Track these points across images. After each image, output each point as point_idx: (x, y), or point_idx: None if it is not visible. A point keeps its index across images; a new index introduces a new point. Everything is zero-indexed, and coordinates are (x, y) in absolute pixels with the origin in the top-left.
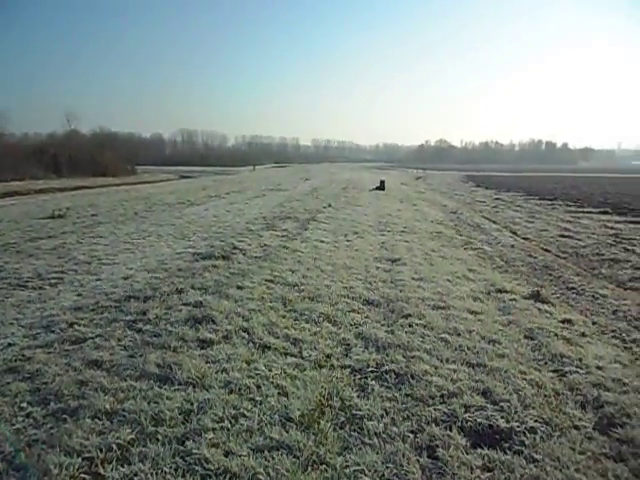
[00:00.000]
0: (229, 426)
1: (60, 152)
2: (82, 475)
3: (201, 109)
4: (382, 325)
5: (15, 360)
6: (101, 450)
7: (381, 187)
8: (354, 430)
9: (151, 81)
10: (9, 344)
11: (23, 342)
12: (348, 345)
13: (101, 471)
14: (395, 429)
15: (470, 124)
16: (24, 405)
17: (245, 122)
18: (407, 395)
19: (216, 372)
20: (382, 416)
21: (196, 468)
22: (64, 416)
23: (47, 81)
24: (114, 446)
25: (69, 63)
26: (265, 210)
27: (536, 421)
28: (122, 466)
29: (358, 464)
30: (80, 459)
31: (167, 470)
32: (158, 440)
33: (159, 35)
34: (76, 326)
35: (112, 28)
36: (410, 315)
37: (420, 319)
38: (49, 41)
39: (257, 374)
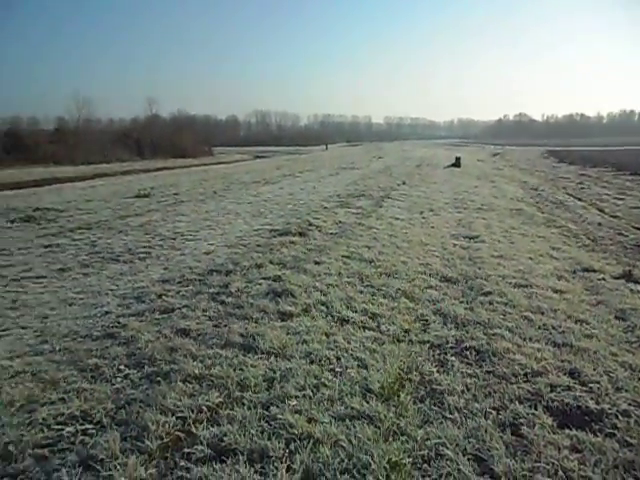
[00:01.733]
0: (311, 394)
1: (143, 136)
2: (176, 432)
3: (274, 90)
4: (461, 302)
5: (112, 327)
6: (192, 411)
7: (456, 164)
8: (434, 404)
9: (226, 64)
10: (106, 312)
11: (118, 310)
12: (426, 321)
13: (193, 430)
14: (477, 405)
15: (552, 96)
16: (122, 367)
17: (317, 102)
18: (489, 372)
19: (297, 343)
20: (463, 392)
21: (281, 432)
22: (158, 379)
23: (131, 68)
24: (204, 408)
25: (151, 50)
26: (339, 188)
27: (630, 404)
28: (212, 426)
29: (439, 437)
30: (174, 418)
31: (254, 432)
32: (244, 404)
33: (234, 19)
34: (164, 297)
35: (188, 14)
36: (490, 293)
37: (501, 297)
38: (133, 31)
39: (336, 346)
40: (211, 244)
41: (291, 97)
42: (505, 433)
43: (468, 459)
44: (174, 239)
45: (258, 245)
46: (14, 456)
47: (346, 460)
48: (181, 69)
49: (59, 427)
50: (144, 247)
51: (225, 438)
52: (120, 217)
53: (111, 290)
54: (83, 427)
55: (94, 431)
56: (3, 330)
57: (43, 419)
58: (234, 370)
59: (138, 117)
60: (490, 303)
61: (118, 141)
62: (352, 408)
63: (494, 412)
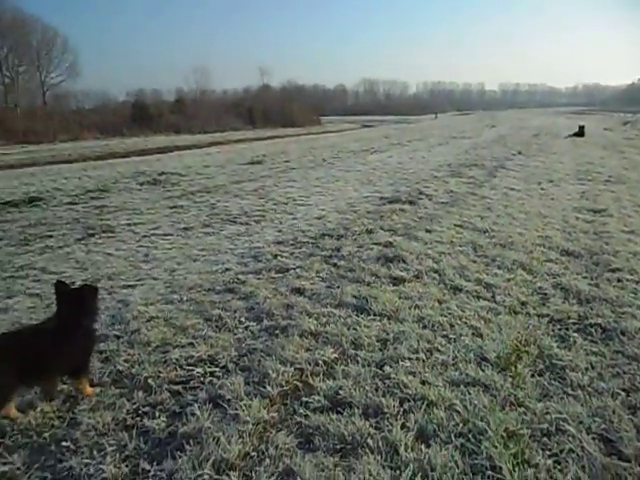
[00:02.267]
0: (424, 358)
1: (255, 105)
2: (295, 382)
3: (383, 59)
4: (584, 277)
5: (232, 282)
6: (309, 364)
7: (579, 133)
8: (554, 379)
9: (336, 34)
10: (226, 269)
11: (237, 268)
12: (545, 294)
13: (310, 381)
14: (603, 384)
15: None
16: (242, 319)
17: (427, 69)
18: (617, 352)
19: (409, 308)
20: (587, 369)
21: (395, 391)
22: (276, 332)
23: (246, 39)
24: (320, 362)
25: (264, 22)
26: (449, 157)
27: None
28: (328, 380)
29: (560, 412)
30: (292, 368)
31: (368, 389)
32: (358, 362)
33: None
34: (279, 257)
35: None
36: (619, 269)
37: (632, 274)
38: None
39: (449, 313)
40: (322, 209)
41: (399, 66)
42: (637, 416)
43: (593, 438)
44: (286, 204)
45: (368, 212)
46: (153, 389)
47: (461, 424)
48: (292, 39)
49: (189, 368)
50: (258, 210)
51: (340, 392)
52: (235, 182)
53: (230, 249)
54: (210, 369)
55: (220, 374)
56: (138, 280)
57: (176, 360)
58: (348, 329)
59: (250, 87)
60: (619, 280)
61: (231, 111)
62: (467, 375)
63: (623, 393)
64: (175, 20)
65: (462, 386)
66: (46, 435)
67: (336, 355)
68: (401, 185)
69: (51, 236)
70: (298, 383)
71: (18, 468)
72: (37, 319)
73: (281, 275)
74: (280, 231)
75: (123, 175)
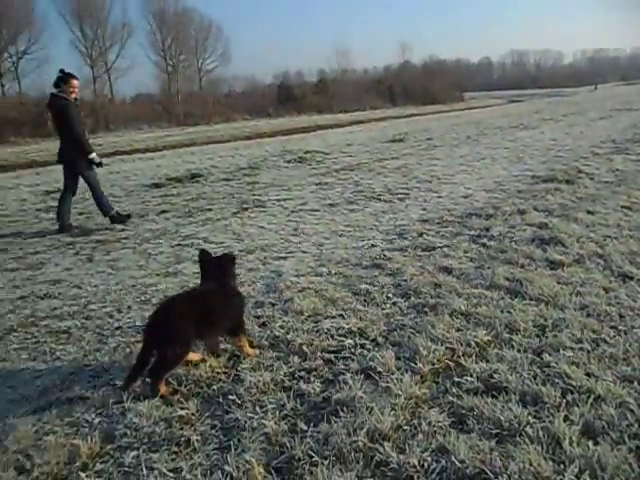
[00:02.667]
0: (589, 348)
1: (395, 83)
2: (446, 361)
3: (533, 28)
4: None
5: (378, 258)
6: (461, 344)
7: None
8: None
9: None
10: (372, 245)
11: (383, 245)
12: None
13: (462, 362)
14: None
15: None
16: (390, 295)
17: (585, 36)
18: None
19: (569, 294)
20: None
21: (556, 381)
22: (425, 309)
23: (387, 17)
24: (472, 343)
25: None
26: (613, 132)
27: None
28: (480, 362)
29: None
30: (443, 347)
31: (525, 375)
32: (513, 347)
33: None
34: (425, 235)
35: None
36: None
37: None
38: None
39: (618, 303)
40: (468, 188)
41: (552, 34)
42: None
43: None
44: (430, 182)
45: (519, 191)
46: (307, 355)
47: (636, 425)
48: (433, 13)
49: (340, 338)
50: (402, 188)
51: (495, 375)
52: (378, 160)
53: (375, 226)
54: (361, 342)
55: (370, 347)
56: (288, 252)
57: (327, 330)
58: (501, 312)
59: (390, 65)
60: None
61: (372, 89)
62: None
63: None
64: (316, 2)
65: (636, 383)
66: (214, 388)
67: (489, 338)
68: (556, 163)
69: (210, 209)
70: (450, 362)
71: (192, 414)
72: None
73: (427, 253)
74: (425, 209)
75: (271, 154)
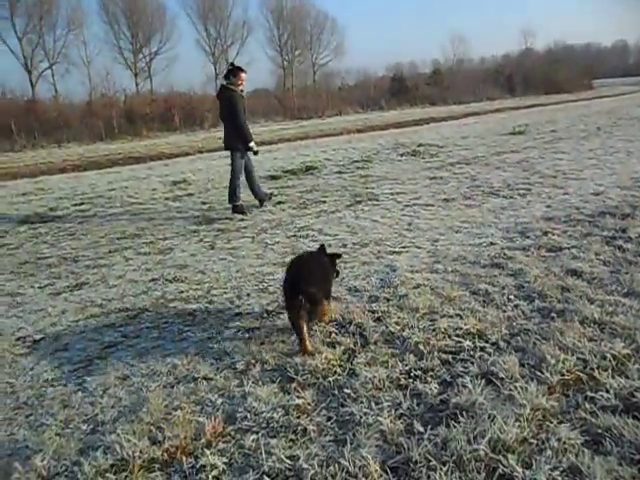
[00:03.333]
0: None
1: (514, 72)
2: (577, 373)
3: None
4: None
5: (498, 257)
6: (594, 355)
7: None
8: None
9: None
10: (490, 243)
11: (502, 243)
12: None
13: (596, 375)
14: None
15: None
16: (511, 297)
17: None
18: None
19: None
20: None
21: None
22: (551, 314)
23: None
24: (608, 355)
25: None
26: None
27: None
28: (619, 377)
29: None
30: (574, 357)
31: None
32: None
33: None
34: (550, 235)
35: None
36: None
37: None
38: None
39: None
40: (599, 184)
41: None
42: None
43: None
44: (555, 177)
45: None
46: (424, 354)
47: None
48: None
49: (458, 339)
50: (523, 183)
51: (637, 394)
52: (496, 153)
53: (494, 222)
54: (481, 344)
55: (491, 350)
56: (403, 247)
57: (444, 329)
58: None
59: (510, 53)
60: None
61: (488, 79)
62: None
63: None
64: None
65: None
66: (330, 380)
67: (628, 351)
68: None
69: (324, 201)
70: (581, 375)
71: (308, 404)
72: None
73: (553, 254)
74: (549, 206)
75: (384, 147)
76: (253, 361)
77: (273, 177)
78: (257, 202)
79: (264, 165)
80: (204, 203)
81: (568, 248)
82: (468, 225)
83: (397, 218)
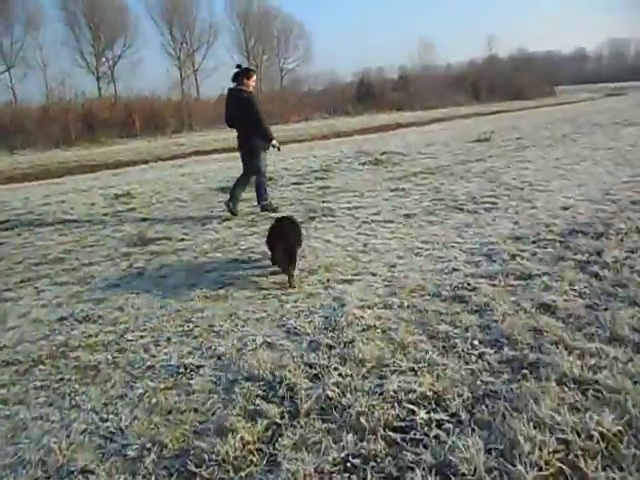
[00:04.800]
0: None
1: (479, 78)
2: (557, 462)
3: (635, 14)
4: None
5: (461, 287)
6: (578, 434)
7: None
8: None
9: None
10: (453, 269)
11: (466, 268)
12: None
13: (582, 465)
14: None
15: None
16: (475, 343)
17: None
18: None
19: None
20: None
21: None
22: (522, 370)
23: (471, 9)
24: (595, 434)
25: None
26: None
27: None
28: (610, 469)
29: None
30: (553, 438)
31: None
32: None
33: None
34: (518, 259)
35: None
36: None
37: None
38: None
39: None
40: (568, 197)
41: None
42: None
43: None
44: (521, 189)
45: (633, 202)
46: (365, 432)
47: None
48: (522, 5)
49: (411, 407)
50: (488, 196)
51: None
52: (460, 162)
53: (457, 243)
54: (438, 416)
55: (450, 426)
56: (355, 274)
57: (394, 392)
58: (634, 383)
59: (475, 59)
60: None
61: (454, 85)
62: None
63: None
64: None
65: None
66: (243, 474)
67: (619, 427)
68: None
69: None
70: (562, 466)
71: None
72: None
73: (522, 283)
74: (516, 223)
75: (346, 155)
76: (149, 445)
77: (223, 189)
78: (228, 205)
79: (217, 176)
80: (144, 219)
81: (539, 275)
82: (429, 246)
83: (352, 237)
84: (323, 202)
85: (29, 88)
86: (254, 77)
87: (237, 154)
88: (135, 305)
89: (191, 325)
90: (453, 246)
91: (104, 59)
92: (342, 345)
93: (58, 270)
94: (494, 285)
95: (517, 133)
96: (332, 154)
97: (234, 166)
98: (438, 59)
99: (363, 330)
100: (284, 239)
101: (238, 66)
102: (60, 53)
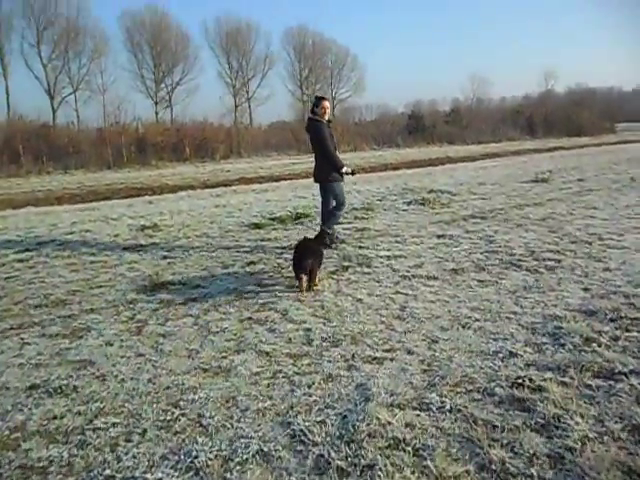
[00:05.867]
0: None
1: (535, 113)
2: None
3: None
4: None
5: (520, 384)
6: None
7: None
8: None
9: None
10: (510, 353)
11: (527, 354)
12: None
13: None
14: None
15: None
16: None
17: None
18: None
19: None
20: None
21: None
22: None
23: (528, 43)
24: None
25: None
26: None
27: None
28: None
29: None
30: None
31: None
32: None
33: None
34: (594, 345)
35: None
36: None
37: None
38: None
39: None
40: None
41: None
42: None
43: None
44: (590, 243)
45: None
46: None
47: None
48: (583, 39)
49: None
50: (550, 251)
51: None
52: (517, 206)
53: (514, 314)
54: None
55: None
56: (387, 349)
57: None
58: None
59: (530, 94)
60: None
61: (508, 119)
62: None
63: None
64: (452, 32)
65: None
66: None
67: None
68: None
69: None
70: None
71: None
72: None
73: (604, 385)
74: (587, 290)
75: (391, 191)
76: None
77: (256, 225)
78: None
79: (252, 209)
80: (164, 257)
81: (626, 375)
82: (480, 315)
83: (389, 297)
84: (360, 247)
85: (90, 111)
86: (325, 104)
87: (278, 184)
88: (120, 375)
89: (176, 412)
90: (509, 317)
91: (163, 85)
92: (358, 471)
93: (55, 317)
94: (565, 384)
95: (579, 174)
96: (376, 190)
97: (272, 198)
98: (492, 92)
99: (388, 447)
100: (302, 260)
101: (315, 97)
102: (119, 78)
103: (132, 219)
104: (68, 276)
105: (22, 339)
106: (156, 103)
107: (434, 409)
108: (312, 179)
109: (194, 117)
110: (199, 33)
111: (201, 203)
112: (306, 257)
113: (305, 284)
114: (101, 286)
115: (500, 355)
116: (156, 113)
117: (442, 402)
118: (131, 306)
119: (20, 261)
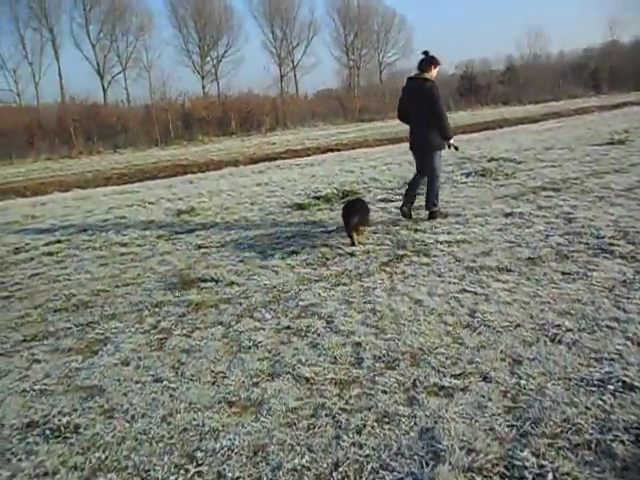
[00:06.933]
0: None
1: (600, 67)
2: None
3: None
4: None
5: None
6: None
7: None
8: None
9: None
10: (621, 382)
11: None
12: None
13: None
14: None
15: None
16: None
17: None
18: None
19: None
20: None
21: None
22: None
23: None
24: None
25: None
26: None
27: None
28: None
29: None
30: None
31: None
32: None
33: None
34: None
35: None
36: None
37: None
38: None
39: None
40: None
41: None
42: None
43: None
44: None
45: None
46: None
47: None
48: None
49: None
50: None
51: None
52: (594, 174)
53: (616, 320)
54: None
55: None
56: (459, 374)
57: None
58: None
59: (591, 46)
60: None
61: (569, 75)
62: None
63: None
64: None
65: None
66: None
67: None
68: None
69: (352, 253)
70: None
71: None
72: None
73: None
74: None
75: (446, 161)
76: None
77: (299, 206)
78: (402, 210)
79: (296, 186)
80: (199, 247)
81: None
82: (572, 323)
83: (453, 296)
84: (415, 231)
85: (139, 89)
86: (438, 69)
87: (324, 156)
88: (131, 409)
89: (192, 470)
90: (611, 327)
91: (208, 58)
92: None
93: (72, 325)
94: None
95: None
96: None
97: (317, 173)
98: (550, 47)
99: None
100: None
101: (425, 52)
102: (168, 54)
103: (170, 202)
104: (95, 272)
105: (32, 355)
106: (202, 77)
107: (531, 479)
108: (352, 150)
109: (240, 89)
110: (242, 2)
111: (242, 181)
112: (352, 215)
113: (355, 239)
114: (128, 284)
115: (610, 387)
116: (203, 87)
117: (541, 466)
118: (156, 310)
119: (49, 254)
